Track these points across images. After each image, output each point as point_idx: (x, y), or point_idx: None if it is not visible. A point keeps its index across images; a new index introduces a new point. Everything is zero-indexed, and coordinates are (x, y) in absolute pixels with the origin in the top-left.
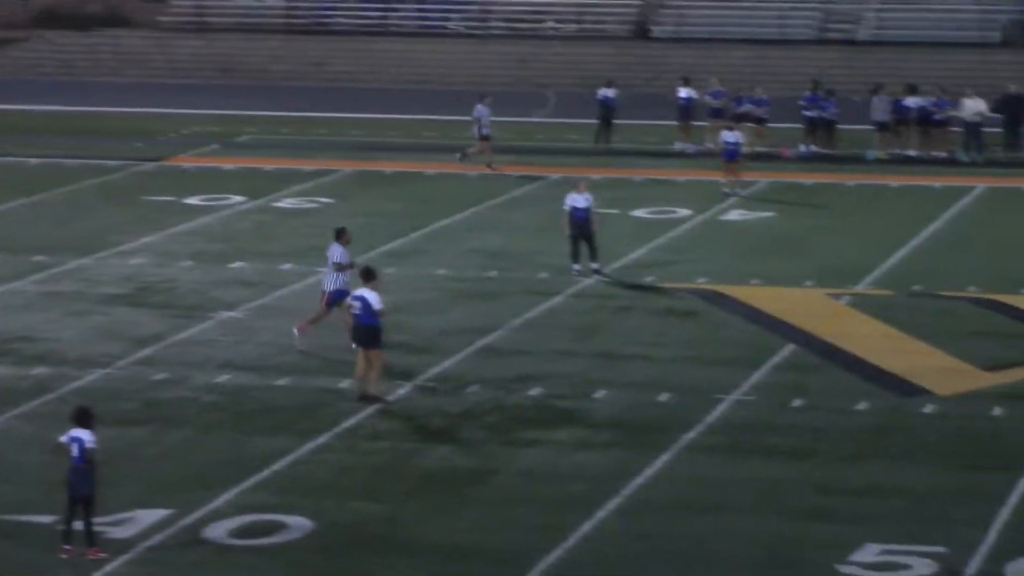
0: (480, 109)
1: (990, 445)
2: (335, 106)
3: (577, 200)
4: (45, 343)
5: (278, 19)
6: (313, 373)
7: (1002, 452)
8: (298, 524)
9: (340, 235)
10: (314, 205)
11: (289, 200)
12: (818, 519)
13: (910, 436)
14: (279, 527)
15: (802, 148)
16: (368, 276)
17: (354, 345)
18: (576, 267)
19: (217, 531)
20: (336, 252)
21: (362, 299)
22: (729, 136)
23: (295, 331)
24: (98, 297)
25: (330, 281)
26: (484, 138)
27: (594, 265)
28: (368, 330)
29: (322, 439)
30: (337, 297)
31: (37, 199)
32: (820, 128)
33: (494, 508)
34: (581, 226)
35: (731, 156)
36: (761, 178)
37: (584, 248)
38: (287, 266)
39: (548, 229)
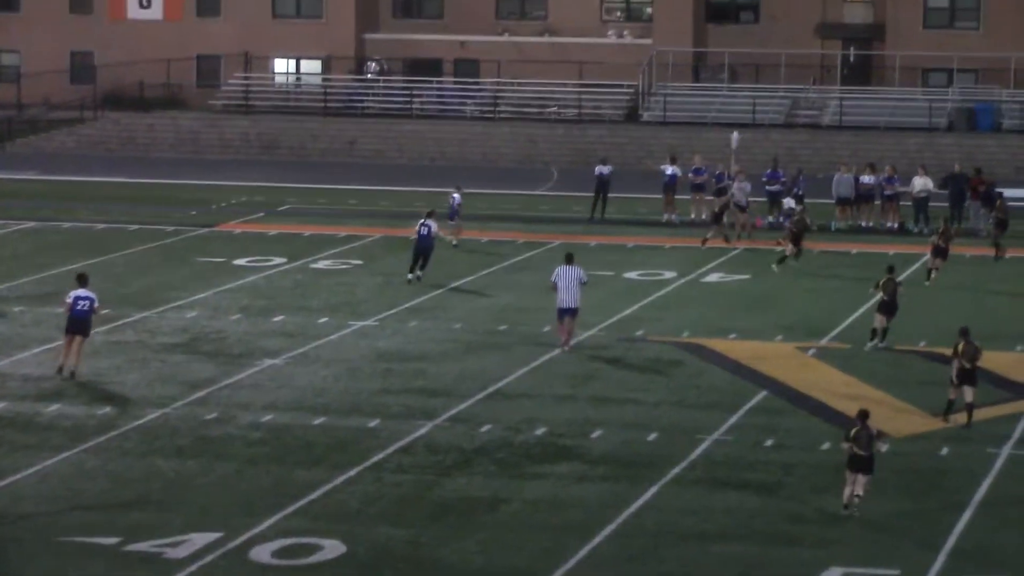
0: None
1: (937, 480)
2: (365, 179)
3: (427, 224)
4: (111, 386)
5: (315, 102)
6: (345, 414)
7: (948, 486)
8: (332, 547)
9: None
10: (346, 266)
11: (324, 262)
12: (787, 544)
13: None
14: (316, 549)
15: (770, 219)
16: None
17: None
18: (410, 276)
19: (261, 553)
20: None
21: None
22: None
23: None
24: (157, 346)
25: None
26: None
27: (419, 274)
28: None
29: (353, 472)
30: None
31: (103, 260)
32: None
33: (504, 533)
34: (423, 244)
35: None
36: (738, 245)
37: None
38: (323, 320)
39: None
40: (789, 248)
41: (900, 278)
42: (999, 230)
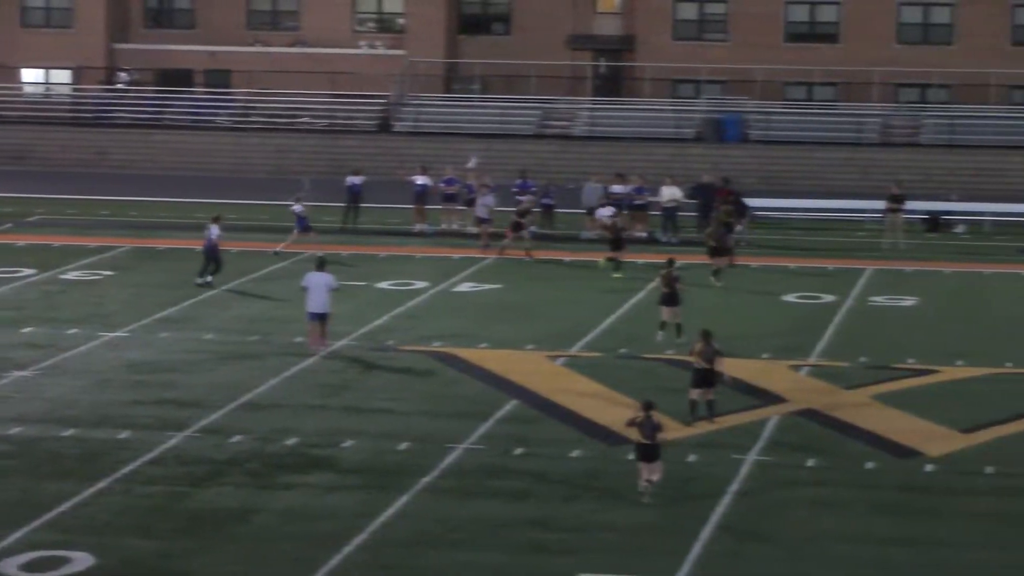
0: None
1: (684, 488)
2: (116, 190)
3: (213, 230)
4: None
5: (65, 112)
6: (95, 426)
7: (695, 494)
8: (82, 559)
9: None
10: (97, 277)
11: (74, 272)
12: (535, 552)
13: (617, 480)
14: (64, 561)
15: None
16: None
17: None
18: (198, 280)
19: (8, 567)
20: None
21: None
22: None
23: None
24: None
25: None
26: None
27: (208, 279)
28: None
29: (103, 483)
30: None
31: None
32: (540, 212)
33: (255, 544)
34: (207, 247)
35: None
36: (491, 255)
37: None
38: (72, 331)
39: (302, 299)
40: (611, 255)
41: (649, 287)
42: (722, 233)
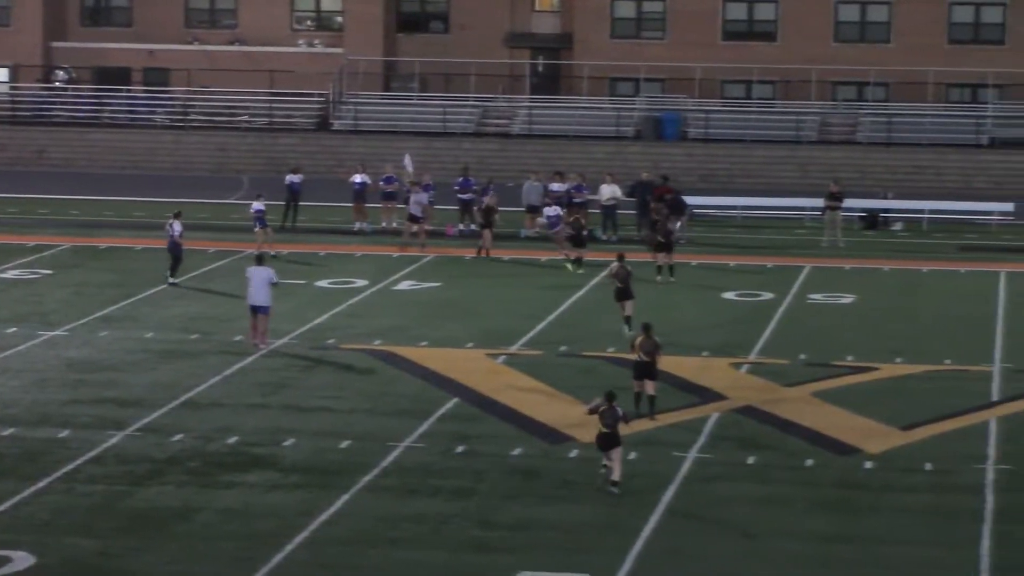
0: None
1: (626, 485)
2: (55, 189)
3: (175, 226)
4: None
5: (3, 111)
6: (34, 425)
7: (636, 491)
8: (22, 558)
9: None
10: (36, 276)
11: (13, 271)
12: (477, 550)
13: (559, 477)
14: (5, 561)
15: (461, 227)
16: None
17: None
18: (171, 279)
19: None
20: None
21: None
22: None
23: None
24: None
25: None
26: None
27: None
28: None
29: (43, 483)
30: None
31: None
32: (479, 209)
33: (196, 542)
34: (170, 244)
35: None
36: (429, 253)
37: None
38: (11, 330)
39: (243, 297)
40: (575, 253)
41: (592, 283)
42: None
